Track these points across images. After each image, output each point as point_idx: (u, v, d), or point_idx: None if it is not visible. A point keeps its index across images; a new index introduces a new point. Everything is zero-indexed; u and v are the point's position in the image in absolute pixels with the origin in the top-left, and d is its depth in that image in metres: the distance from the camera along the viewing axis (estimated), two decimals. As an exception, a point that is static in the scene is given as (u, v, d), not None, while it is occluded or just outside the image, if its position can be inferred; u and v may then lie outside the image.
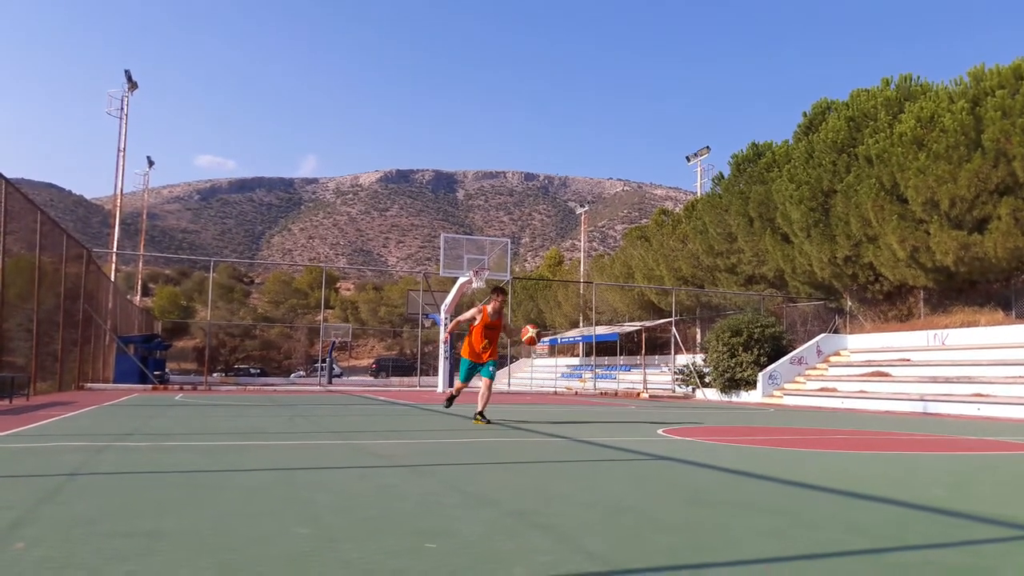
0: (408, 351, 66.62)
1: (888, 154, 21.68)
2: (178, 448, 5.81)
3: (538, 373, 41.15)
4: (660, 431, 8.54)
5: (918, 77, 23.66)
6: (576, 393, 27.22)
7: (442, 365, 24.15)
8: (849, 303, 26.04)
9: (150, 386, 22.09)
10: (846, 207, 23.17)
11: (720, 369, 22.29)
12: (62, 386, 17.94)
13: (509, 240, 25.27)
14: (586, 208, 59.92)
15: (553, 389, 31.29)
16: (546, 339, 42.80)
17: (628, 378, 31.30)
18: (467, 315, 9.51)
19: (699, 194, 39.49)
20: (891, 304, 24.70)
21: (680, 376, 25.44)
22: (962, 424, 11.70)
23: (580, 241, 60.53)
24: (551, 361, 43.22)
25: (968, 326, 20.03)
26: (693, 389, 24.44)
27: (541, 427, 8.50)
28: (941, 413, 15.34)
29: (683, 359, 27.24)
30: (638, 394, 24.85)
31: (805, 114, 27.03)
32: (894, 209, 21.70)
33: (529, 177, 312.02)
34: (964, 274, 21.40)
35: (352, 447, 6.17)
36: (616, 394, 25.73)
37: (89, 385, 20.89)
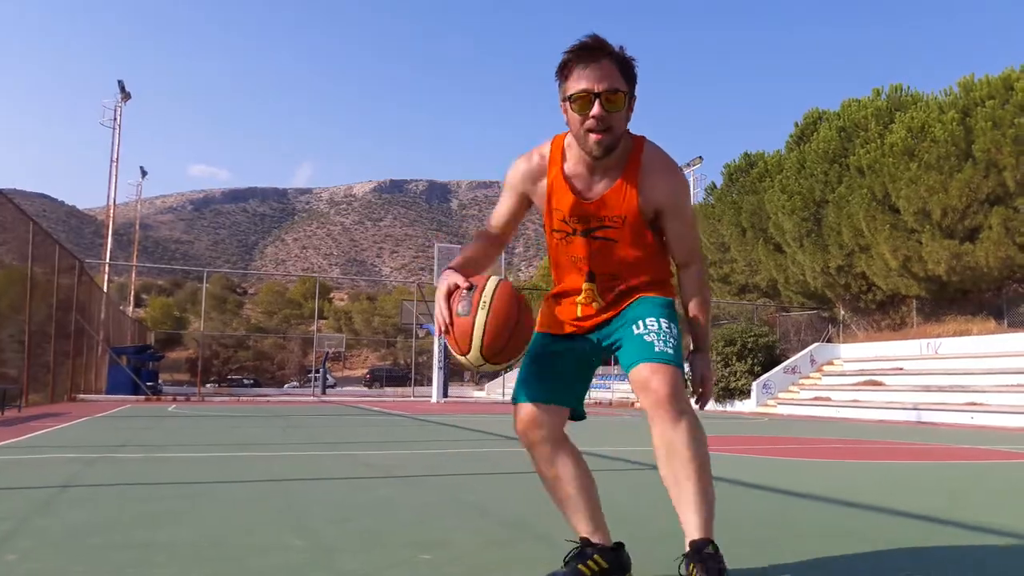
0: (402, 361, 66.44)
1: (879, 164, 21.80)
2: (171, 459, 5.78)
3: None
4: (655, 441, 8.53)
5: (908, 87, 23.87)
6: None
7: (436, 376, 24.11)
8: (842, 312, 26.12)
9: (143, 397, 21.98)
10: (838, 217, 23.27)
11: (714, 379, 22.31)
12: (54, 397, 17.82)
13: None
14: (580, 218, 59.92)
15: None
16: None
17: (622, 388, 31.24)
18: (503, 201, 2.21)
19: (692, 204, 39.58)
20: (884, 313, 24.79)
21: (674, 386, 25.41)
22: (955, 433, 11.72)
23: (574, 251, 60.42)
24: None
25: (961, 335, 20.11)
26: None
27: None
28: (934, 422, 15.36)
29: (677, 369, 27.20)
30: (632, 404, 24.84)
31: (797, 124, 27.22)
32: (886, 219, 21.81)
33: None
34: (956, 283, 21.50)
35: (346, 458, 6.15)
36: (611, 404, 25.71)
37: (81, 396, 20.76)
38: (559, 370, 2.17)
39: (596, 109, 1.88)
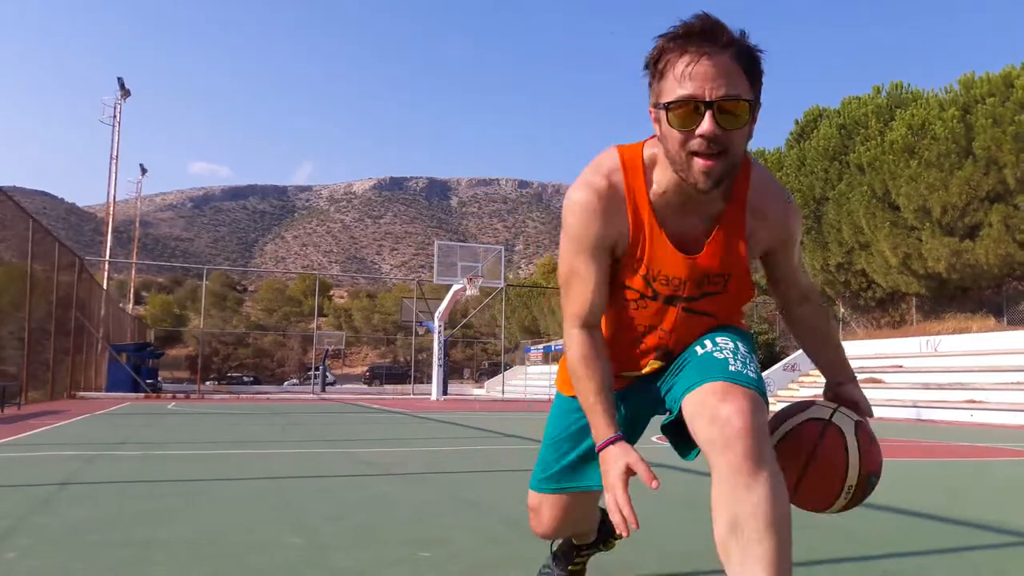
0: (402, 359, 66.45)
1: (879, 162, 21.80)
2: (171, 457, 5.78)
3: (532, 381, 41.12)
4: (654, 438, 8.54)
5: (908, 85, 23.83)
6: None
7: (436, 373, 24.11)
8: (842, 310, 26.13)
9: (142, 395, 21.99)
10: (838, 214, 23.27)
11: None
12: (54, 395, 17.83)
13: (503, 247, 25.30)
14: (580, 215, 59.85)
15: (548, 396, 31.24)
16: (540, 347, 42.80)
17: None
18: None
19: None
20: (884, 311, 24.79)
21: (674, 383, 25.42)
22: (955, 430, 11.73)
23: (574, 248, 60.36)
24: (545, 368, 43.16)
25: (960, 332, 20.10)
26: (687, 396, 24.44)
27: (535, 434, 8.49)
28: (934, 419, 15.37)
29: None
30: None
31: (797, 121, 27.18)
32: (886, 216, 21.81)
33: (523, 184, 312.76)
34: (956, 281, 21.49)
35: (345, 455, 6.15)
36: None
37: (81, 394, 20.77)
38: (591, 445, 1.60)
39: (707, 125, 1.27)
